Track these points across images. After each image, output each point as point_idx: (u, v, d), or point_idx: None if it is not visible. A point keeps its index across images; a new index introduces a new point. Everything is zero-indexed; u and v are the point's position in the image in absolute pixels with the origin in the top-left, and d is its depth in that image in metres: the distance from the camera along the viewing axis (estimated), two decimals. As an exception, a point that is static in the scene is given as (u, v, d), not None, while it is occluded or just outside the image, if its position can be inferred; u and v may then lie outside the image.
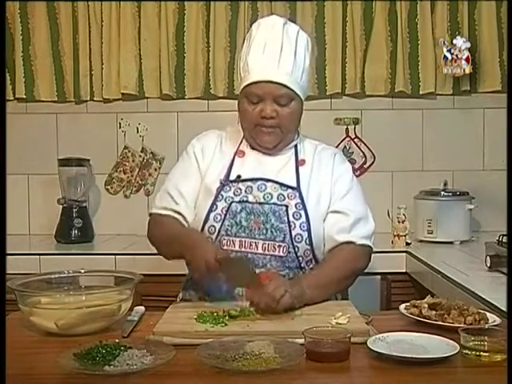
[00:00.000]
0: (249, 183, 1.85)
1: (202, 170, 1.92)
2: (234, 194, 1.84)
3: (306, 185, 1.86)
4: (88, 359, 1.25)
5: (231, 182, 1.86)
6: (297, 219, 1.81)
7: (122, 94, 3.15)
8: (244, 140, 1.94)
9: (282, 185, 1.85)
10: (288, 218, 1.80)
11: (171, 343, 1.35)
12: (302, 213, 1.82)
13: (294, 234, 1.80)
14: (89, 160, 3.12)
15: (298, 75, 1.82)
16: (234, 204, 1.82)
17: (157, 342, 1.36)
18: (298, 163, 1.90)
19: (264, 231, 1.80)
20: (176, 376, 1.24)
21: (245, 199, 1.83)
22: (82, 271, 1.71)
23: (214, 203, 1.84)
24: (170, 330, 1.44)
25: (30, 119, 3.23)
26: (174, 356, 1.26)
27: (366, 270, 2.53)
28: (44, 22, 3.15)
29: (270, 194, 1.84)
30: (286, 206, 1.82)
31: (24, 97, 3.16)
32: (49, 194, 3.16)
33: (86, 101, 3.20)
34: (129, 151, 3.25)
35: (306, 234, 1.81)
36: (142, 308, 1.66)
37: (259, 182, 1.85)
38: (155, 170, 3.24)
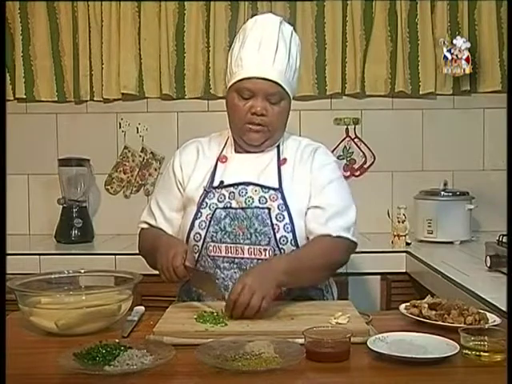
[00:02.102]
0: (231, 189, 1.84)
1: (181, 184, 1.93)
2: (217, 200, 1.84)
3: (288, 184, 1.84)
4: (88, 359, 1.25)
5: (214, 188, 1.85)
6: (280, 221, 1.79)
7: (122, 94, 3.15)
8: (228, 143, 1.94)
9: (263, 187, 1.83)
10: (271, 221, 1.79)
11: (171, 343, 1.35)
12: (285, 214, 1.79)
13: (278, 236, 1.78)
14: (89, 160, 3.12)
15: (291, 75, 1.83)
16: (218, 210, 1.82)
17: (157, 342, 1.36)
18: (280, 162, 1.88)
19: (248, 236, 1.79)
20: (176, 376, 1.25)
21: (228, 205, 1.82)
22: (82, 271, 1.71)
23: (198, 211, 1.84)
24: (170, 330, 1.44)
25: (30, 119, 3.23)
26: (174, 356, 1.26)
27: (366, 270, 2.54)
28: (44, 22, 3.15)
29: (251, 197, 1.82)
30: (269, 209, 1.80)
31: (24, 97, 3.16)
32: (49, 194, 3.16)
33: (86, 101, 3.20)
34: (129, 151, 3.25)
35: (290, 236, 1.79)
36: (142, 308, 1.66)
37: (240, 187, 1.84)
38: (155, 169, 3.24)
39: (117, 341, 1.35)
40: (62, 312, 1.48)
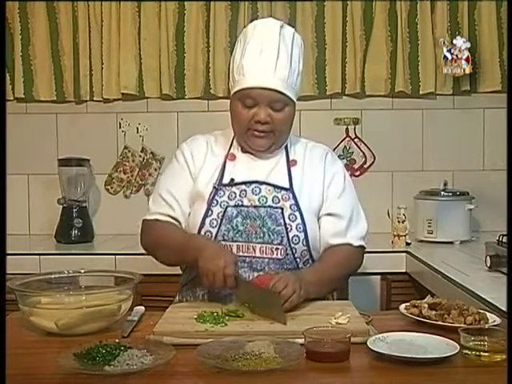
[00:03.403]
0: (243, 187, 1.85)
1: (193, 174, 1.91)
2: (228, 198, 1.83)
3: (298, 185, 1.86)
4: (88, 359, 1.25)
5: (224, 186, 1.85)
6: (293, 221, 1.81)
7: (122, 94, 3.15)
8: (234, 142, 1.93)
9: (275, 187, 1.84)
10: (284, 221, 1.80)
11: (171, 343, 1.35)
12: (297, 214, 1.82)
13: (290, 235, 1.80)
14: (89, 160, 3.12)
15: (293, 80, 1.82)
16: (229, 209, 1.82)
17: (157, 342, 1.36)
18: (289, 164, 1.90)
19: (261, 235, 1.80)
20: (176, 376, 1.25)
21: (240, 203, 1.82)
22: (82, 271, 1.71)
23: (208, 208, 1.83)
24: (170, 330, 1.44)
25: (30, 119, 3.23)
26: (174, 356, 1.26)
27: (366, 270, 2.55)
28: (44, 22, 3.15)
29: (264, 196, 1.83)
30: (282, 209, 1.81)
31: (23, 96, 3.16)
32: (49, 193, 3.16)
33: (86, 101, 3.20)
34: (129, 151, 3.25)
35: (302, 235, 1.81)
36: (142, 308, 1.66)
37: (253, 185, 1.85)
38: (155, 170, 3.24)
39: (117, 341, 1.35)
40: (62, 312, 1.48)
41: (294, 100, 1.85)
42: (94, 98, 3.18)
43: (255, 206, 1.82)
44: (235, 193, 1.84)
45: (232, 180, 1.85)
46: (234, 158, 1.91)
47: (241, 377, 1.21)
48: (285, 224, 1.80)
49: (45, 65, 3.16)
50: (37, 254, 2.70)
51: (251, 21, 3.00)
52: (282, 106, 1.82)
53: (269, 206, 1.82)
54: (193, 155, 1.93)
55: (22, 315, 1.53)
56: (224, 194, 1.84)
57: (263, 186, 1.84)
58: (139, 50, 3.13)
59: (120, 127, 3.24)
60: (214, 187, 1.85)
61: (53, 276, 1.68)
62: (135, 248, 2.80)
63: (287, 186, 1.85)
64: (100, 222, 3.21)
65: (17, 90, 3.15)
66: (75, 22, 3.14)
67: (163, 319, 1.55)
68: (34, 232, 3.25)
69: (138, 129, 3.24)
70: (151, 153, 3.24)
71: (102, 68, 3.14)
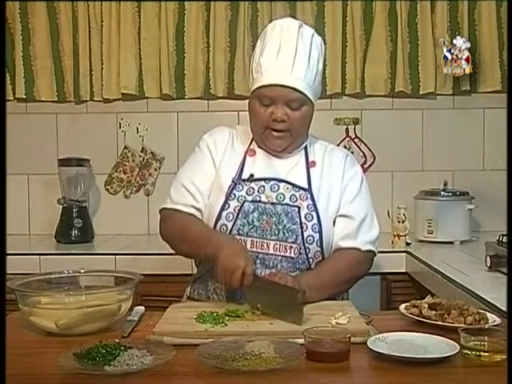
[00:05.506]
0: (262, 183, 1.85)
1: (216, 164, 1.90)
2: (246, 193, 1.84)
3: (316, 186, 1.86)
4: (88, 359, 1.25)
5: (243, 180, 1.86)
6: (309, 221, 1.81)
7: (122, 94, 3.15)
8: (254, 141, 1.93)
9: (294, 185, 1.85)
10: (300, 220, 1.81)
11: (171, 343, 1.35)
12: (314, 214, 1.82)
13: (305, 235, 1.80)
14: (89, 160, 3.12)
15: (311, 79, 1.82)
16: (246, 203, 1.82)
17: (157, 342, 1.36)
18: (309, 165, 1.90)
19: (276, 232, 1.80)
20: (176, 376, 1.24)
21: (257, 199, 1.83)
22: (82, 271, 1.71)
23: (226, 202, 1.83)
24: (170, 330, 1.44)
25: (30, 119, 3.23)
26: (174, 356, 1.26)
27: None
28: (44, 22, 3.15)
29: (282, 194, 1.84)
30: (299, 208, 1.82)
31: (24, 97, 3.16)
32: (49, 193, 3.16)
33: (86, 101, 3.20)
34: (129, 151, 3.25)
35: (317, 236, 1.81)
36: (142, 308, 1.66)
37: (272, 182, 1.85)
38: (155, 170, 3.24)
39: (117, 341, 1.35)
40: (62, 312, 1.48)
41: (312, 100, 1.85)
42: (94, 98, 3.18)
43: (272, 203, 1.82)
44: (253, 188, 1.84)
45: (252, 176, 1.86)
46: (254, 153, 1.91)
47: (241, 377, 1.21)
48: (300, 223, 1.80)
49: (45, 65, 3.16)
50: (37, 254, 2.70)
51: (251, 20, 3.06)
52: (298, 105, 1.82)
53: (286, 204, 1.82)
54: (216, 145, 1.93)
55: (22, 315, 1.53)
56: (242, 188, 1.85)
57: (282, 184, 1.85)
58: (139, 50, 3.14)
59: (120, 127, 3.24)
60: (233, 181, 1.85)
61: (53, 276, 1.68)
62: (135, 248, 2.82)
63: (306, 186, 1.86)
64: (100, 222, 3.21)
65: (18, 90, 3.15)
66: (75, 22, 3.14)
67: (163, 319, 1.55)
68: (33, 232, 3.25)
69: (138, 129, 3.24)
70: (151, 153, 3.24)
71: (102, 68, 3.14)
